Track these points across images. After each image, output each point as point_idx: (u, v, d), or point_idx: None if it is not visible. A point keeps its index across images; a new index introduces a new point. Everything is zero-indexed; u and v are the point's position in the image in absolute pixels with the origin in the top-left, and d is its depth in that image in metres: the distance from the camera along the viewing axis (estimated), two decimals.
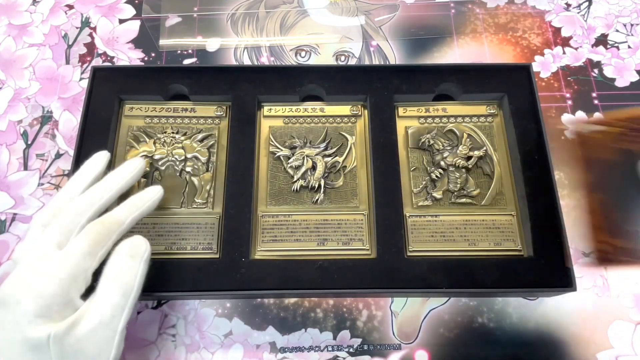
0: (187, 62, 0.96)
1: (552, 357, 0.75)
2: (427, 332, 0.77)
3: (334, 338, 0.76)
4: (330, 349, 0.75)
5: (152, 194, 0.69)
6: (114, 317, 0.58)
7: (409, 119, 0.82)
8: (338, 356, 0.75)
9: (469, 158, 0.79)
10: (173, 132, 0.81)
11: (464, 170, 0.79)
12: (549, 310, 0.77)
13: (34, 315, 0.55)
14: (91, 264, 0.60)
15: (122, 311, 0.58)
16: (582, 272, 0.79)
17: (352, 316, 0.77)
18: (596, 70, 0.95)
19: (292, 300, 0.78)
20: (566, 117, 0.91)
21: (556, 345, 0.76)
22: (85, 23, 0.99)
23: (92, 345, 0.56)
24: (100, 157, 0.70)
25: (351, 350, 0.75)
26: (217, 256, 0.73)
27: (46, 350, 0.55)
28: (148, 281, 0.69)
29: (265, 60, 0.96)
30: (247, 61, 0.96)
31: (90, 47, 0.97)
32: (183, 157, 0.79)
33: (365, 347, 0.75)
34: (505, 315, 0.77)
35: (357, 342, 0.76)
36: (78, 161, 0.75)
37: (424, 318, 0.77)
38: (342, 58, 0.97)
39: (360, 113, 0.83)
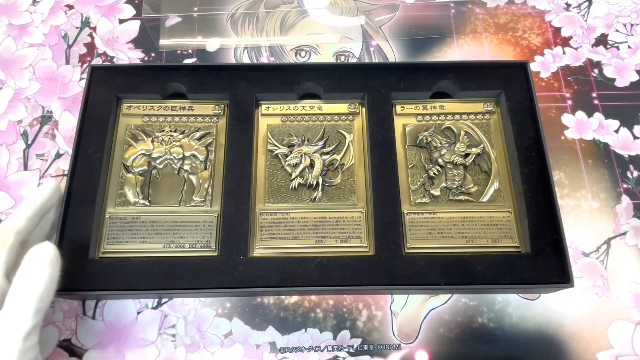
0: (187, 62, 0.96)
1: (552, 357, 0.75)
2: (427, 332, 0.76)
3: (334, 338, 0.76)
4: (330, 349, 0.75)
5: (45, 187, 0.70)
6: (12, 326, 0.57)
7: (407, 117, 0.83)
8: (338, 356, 0.75)
9: (466, 155, 0.79)
10: (171, 131, 0.81)
11: (461, 167, 0.79)
12: (549, 310, 0.77)
13: None
14: None
15: (22, 319, 0.58)
16: (582, 272, 0.79)
17: (352, 316, 0.77)
18: (596, 70, 0.95)
19: (292, 300, 0.78)
20: (566, 117, 0.90)
21: (556, 345, 0.75)
22: (85, 23, 0.99)
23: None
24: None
25: (351, 350, 0.75)
26: (216, 254, 0.73)
27: None
28: (147, 279, 0.70)
29: (265, 60, 0.97)
30: (246, 61, 0.96)
31: (90, 47, 0.97)
32: (181, 156, 0.79)
33: (365, 347, 0.75)
34: (505, 315, 0.77)
35: (357, 342, 0.76)
36: (76, 160, 0.76)
37: (424, 318, 0.77)
38: (342, 58, 0.97)
39: (358, 111, 0.83)
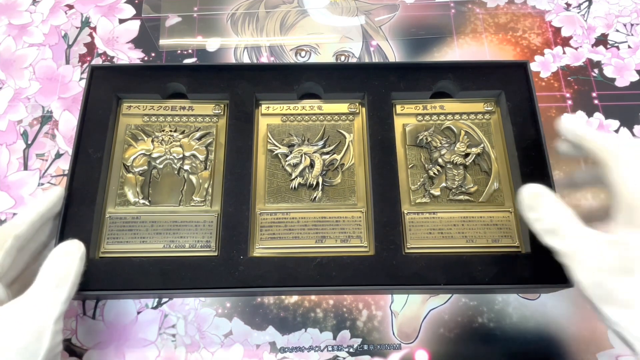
0: (187, 62, 0.96)
1: (552, 357, 0.75)
2: (427, 332, 0.76)
3: (334, 338, 0.76)
4: (330, 349, 0.75)
5: (49, 194, 0.71)
6: (46, 308, 0.58)
7: (407, 117, 0.82)
8: (338, 356, 0.75)
9: (466, 155, 0.79)
10: (171, 131, 0.81)
11: (461, 167, 0.78)
12: (549, 310, 0.77)
13: None
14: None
15: (55, 303, 0.59)
16: None
17: (352, 316, 0.77)
18: (596, 70, 0.95)
19: (292, 300, 0.78)
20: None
21: (556, 345, 0.75)
22: (85, 23, 1.00)
23: (23, 335, 0.56)
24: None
25: (351, 350, 0.75)
26: (216, 254, 0.73)
27: None
28: (147, 279, 0.70)
29: (265, 60, 0.97)
30: (246, 61, 0.96)
31: (90, 47, 0.97)
32: (181, 155, 0.79)
33: (365, 347, 0.75)
34: (505, 315, 0.77)
35: (357, 342, 0.76)
36: (76, 160, 0.76)
37: (424, 318, 0.77)
38: (342, 58, 0.97)
39: (358, 111, 0.83)
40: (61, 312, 0.59)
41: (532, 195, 0.63)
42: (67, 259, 0.62)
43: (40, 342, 0.57)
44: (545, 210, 0.61)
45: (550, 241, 0.60)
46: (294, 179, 0.78)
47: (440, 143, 0.80)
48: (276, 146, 0.80)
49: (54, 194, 0.70)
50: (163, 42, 0.98)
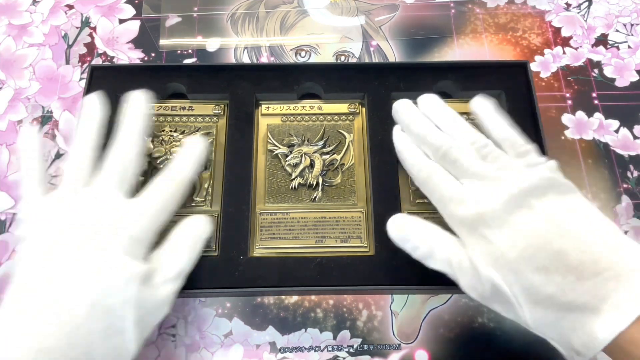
0: (187, 62, 0.96)
1: (552, 357, 0.74)
2: (427, 332, 0.76)
3: (334, 338, 0.76)
4: (330, 349, 0.75)
5: (200, 142, 0.70)
6: (176, 279, 0.61)
7: None
8: (338, 356, 0.75)
9: None
10: (171, 131, 0.81)
11: None
12: None
13: (123, 251, 0.57)
14: (164, 218, 0.63)
15: (182, 276, 0.62)
16: None
17: (352, 316, 0.77)
18: (596, 70, 0.95)
19: (292, 300, 0.78)
20: (566, 117, 0.90)
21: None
22: (85, 23, 0.99)
23: (159, 297, 0.59)
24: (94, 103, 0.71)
25: (351, 350, 0.75)
26: (216, 254, 0.73)
27: (134, 286, 0.56)
28: None
29: (265, 60, 0.97)
30: (246, 61, 0.96)
31: (90, 47, 0.97)
32: None
33: (365, 347, 0.75)
34: None
35: (357, 342, 0.76)
36: None
37: (424, 318, 0.77)
38: (342, 58, 0.97)
39: (358, 111, 0.83)
40: (179, 289, 0.62)
41: (399, 226, 0.65)
42: (199, 238, 0.66)
43: (164, 309, 0.60)
44: (416, 238, 0.64)
45: (432, 265, 0.63)
46: (294, 179, 0.78)
47: None
48: (276, 146, 0.80)
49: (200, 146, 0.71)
50: (163, 42, 0.98)
